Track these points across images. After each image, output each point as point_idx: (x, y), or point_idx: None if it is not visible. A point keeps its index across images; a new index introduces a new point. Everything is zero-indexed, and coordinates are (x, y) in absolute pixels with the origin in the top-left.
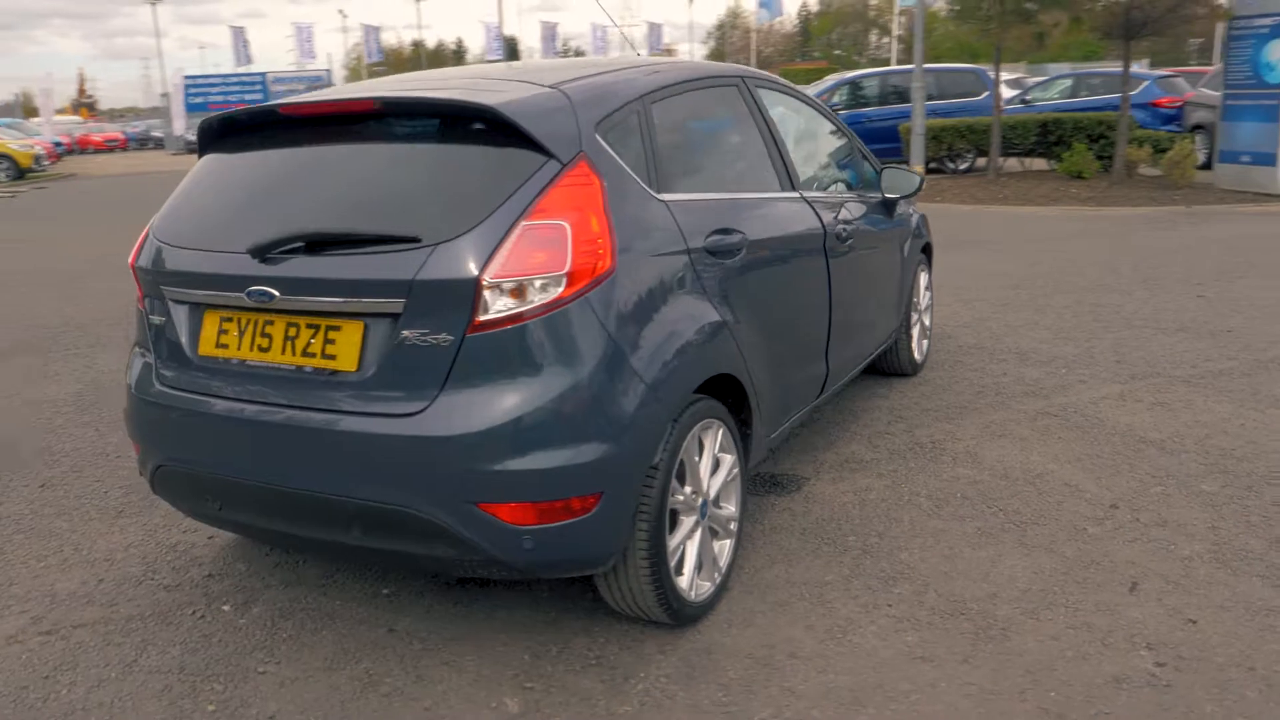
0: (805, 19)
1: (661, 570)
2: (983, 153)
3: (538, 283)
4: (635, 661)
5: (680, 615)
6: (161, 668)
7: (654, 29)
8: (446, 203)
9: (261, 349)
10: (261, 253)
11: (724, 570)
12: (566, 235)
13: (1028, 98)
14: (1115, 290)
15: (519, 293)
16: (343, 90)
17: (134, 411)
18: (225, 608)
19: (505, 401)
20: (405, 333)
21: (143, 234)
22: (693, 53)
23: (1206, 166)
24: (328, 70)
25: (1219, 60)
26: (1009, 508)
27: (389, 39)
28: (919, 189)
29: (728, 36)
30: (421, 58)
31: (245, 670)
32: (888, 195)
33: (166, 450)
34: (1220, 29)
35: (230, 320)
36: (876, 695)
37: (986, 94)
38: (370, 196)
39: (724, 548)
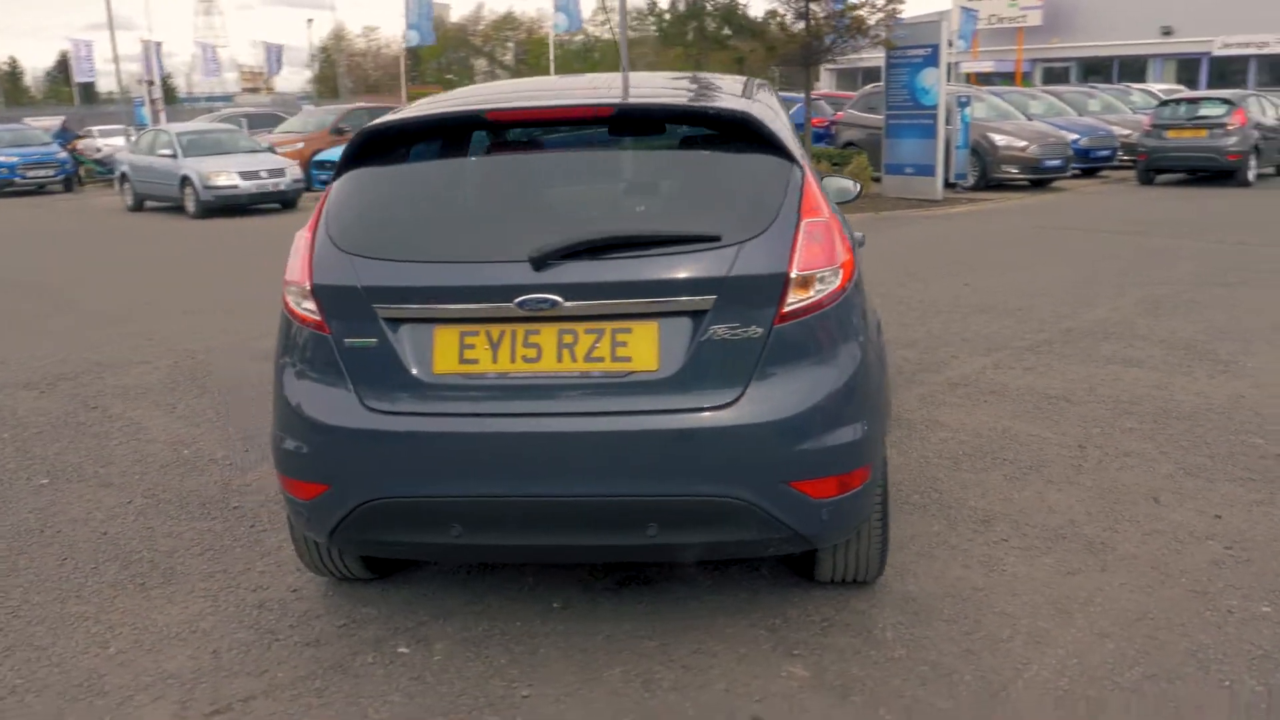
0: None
1: (887, 531)
2: None
3: (823, 275)
4: (862, 618)
5: (883, 571)
6: (407, 717)
7: (272, 50)
8: (727, 203)
9: (528, 359)
10: (544, 260)
11: None
12: (833, 232)
13: None
14: (894, 284)
15: (810, 284)
16: (562, 96)
17: (325, 447)
18: (402, 649)
19: (809, 385)
20: (714, 328)
21: (305, 252)
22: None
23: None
24: None
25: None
26: (1012, 456)
27: None
28: None
29: (334, 59)
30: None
31: (504, 697)
32: None
33: (383, 483)
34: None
35: (476, 335)
36: (1072, 604)
37: None
38: (635, 199)
39: None
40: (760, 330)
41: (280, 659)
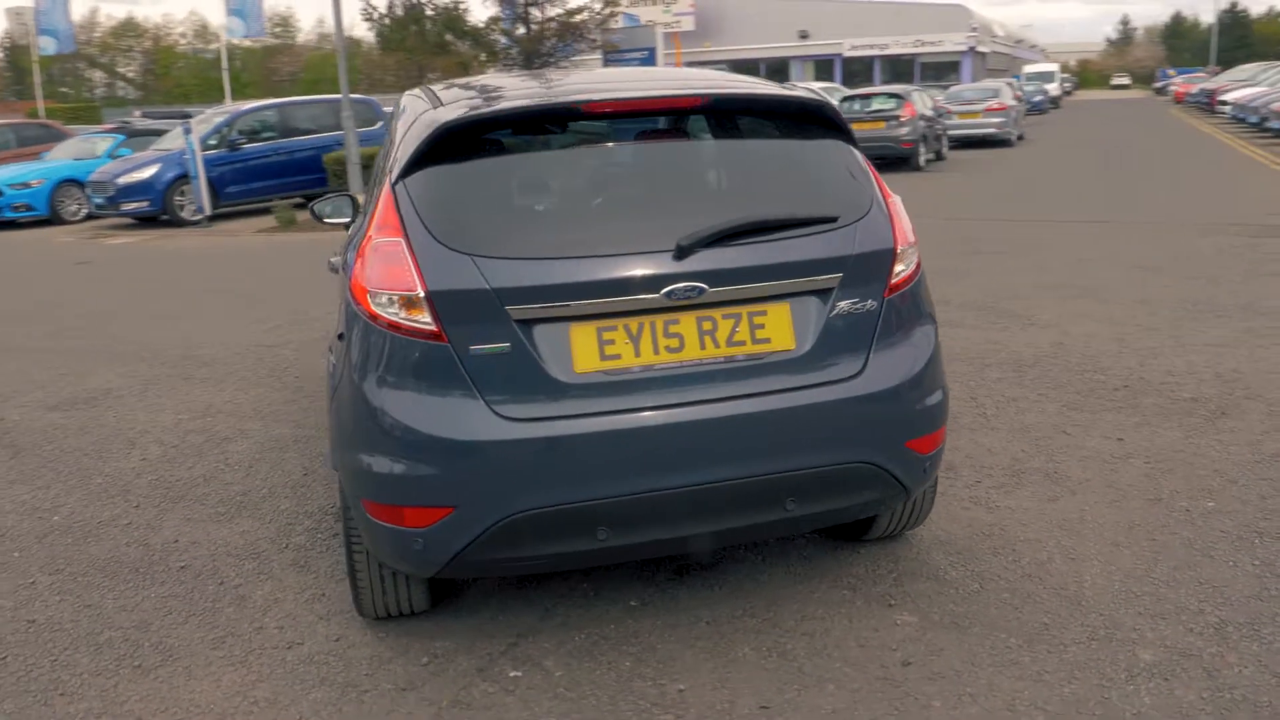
0: (11, 49)
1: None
2: None
3: (911, 249)
4: (922, 566)
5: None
6: None
7: None
8: (827, 185)
9: (671, 350)
10: (689, 249)
11: None
12: (902, 210)
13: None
14: None
15: (905, 258)
16: (647, 87)
17: (453, 465)
18: (513, 673)
19: (913, 351)
20: (840, 304)
21: (405, 257)
22: None
23: None
24: None
25: None
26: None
27: None
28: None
29: None
30: None
31: (660, 695)
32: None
33: (524, 495)
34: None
35: (614, 329)
36: (1073, 524)
37: (380, 123)
38: (745, 185)
39: None
40: (875, 303)
41: (389, 708)
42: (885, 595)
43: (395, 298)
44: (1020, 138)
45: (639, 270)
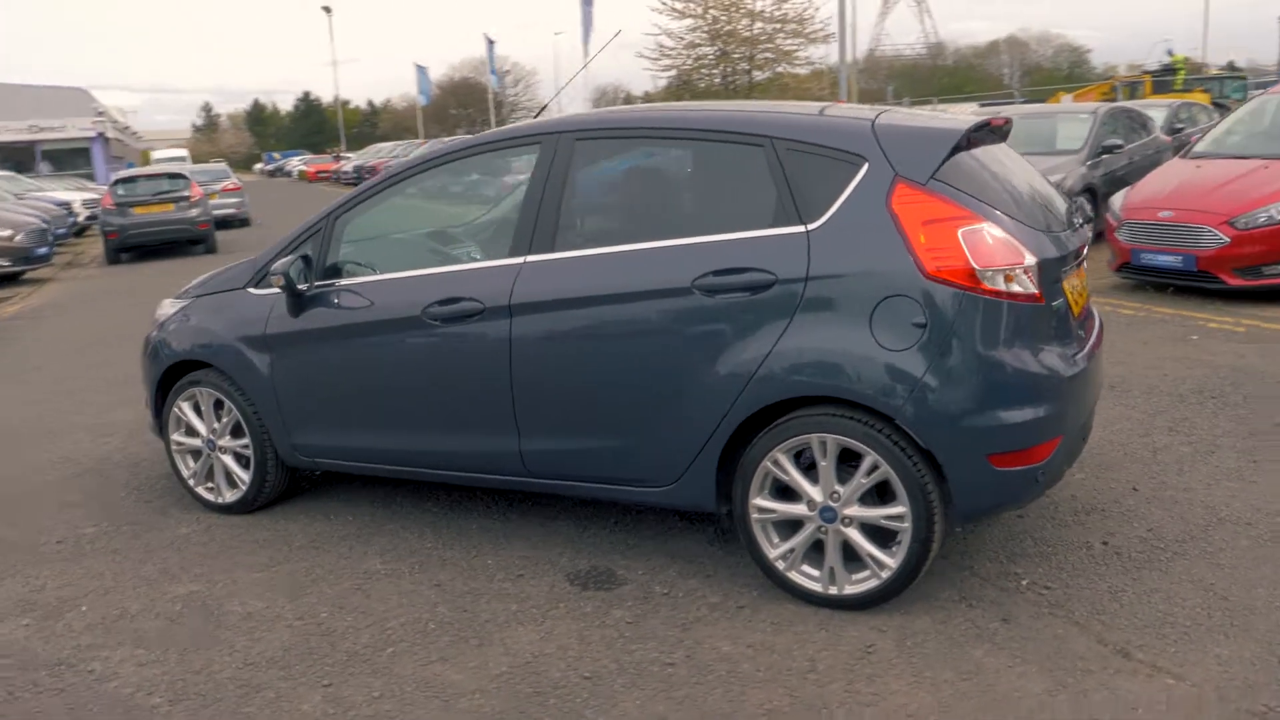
0: None
1: None
2: None
3: None
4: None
5: None
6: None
7: None
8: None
9: (1075, 292)
10: (1069, 231)
11: None
12: None
13: None
14: None
15: None
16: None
17: (1061, 402)
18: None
19: None
20: None
21: (1011, 233)
22: None
23: None
24: None
25: None
26: None
27: None
28: None
29: None
30: None
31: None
32: None
33: (1069, 422)
34: None
35: (1058, 281)
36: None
37: None
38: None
39: None
40: None
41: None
42: (1048, 578)
43: (1001, 271)
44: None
45: (1064, 245)
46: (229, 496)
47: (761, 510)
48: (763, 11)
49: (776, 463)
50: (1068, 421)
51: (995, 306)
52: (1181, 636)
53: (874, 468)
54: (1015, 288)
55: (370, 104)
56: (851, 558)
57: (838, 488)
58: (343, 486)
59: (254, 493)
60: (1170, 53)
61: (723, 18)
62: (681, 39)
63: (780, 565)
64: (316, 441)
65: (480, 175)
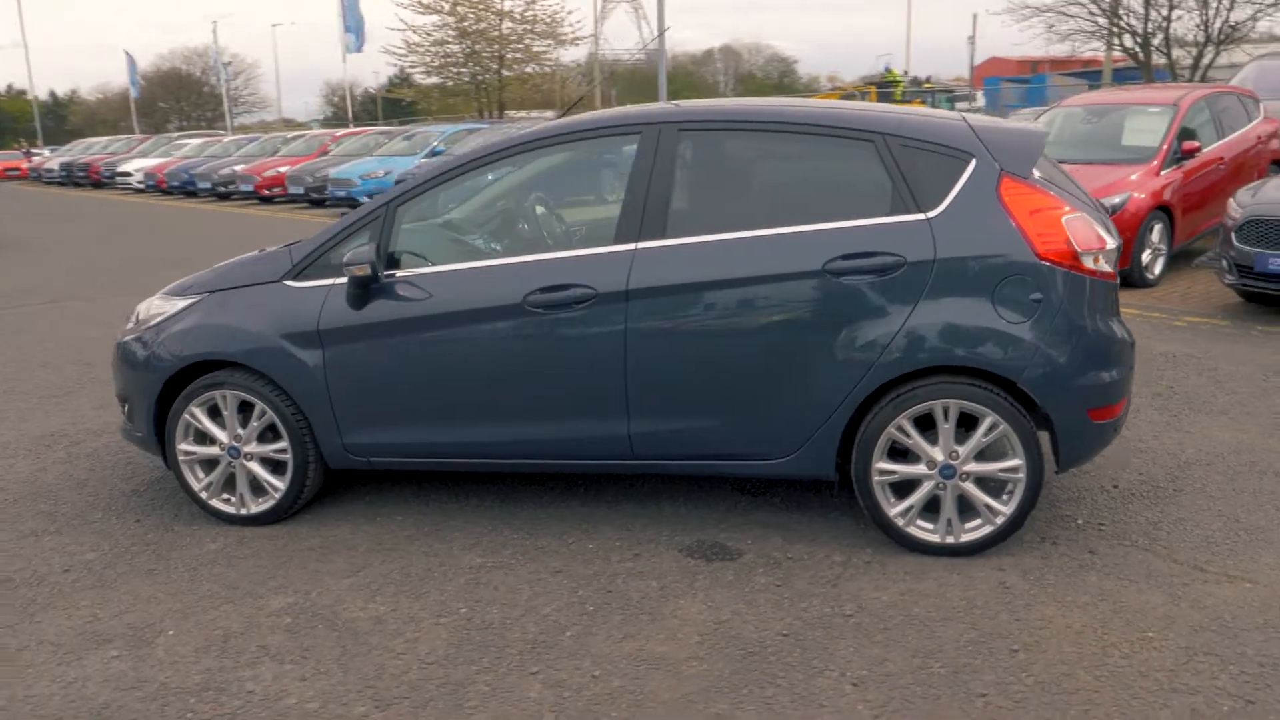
0: None
1: None
2: None
3: None
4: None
5: None
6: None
7: None
8: None
9: None
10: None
11: None
12: None
13: None
14: None
15: None
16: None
17: (1132, 362)
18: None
19: None
20: None
21: (1092, 222)
22: None
23: None
24: None
25: None
26: None
27: None
28: None
29: None
30: None
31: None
32: None
33: (1132, 382)
34: None
35: None
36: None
37: None
38: None
39: None
40: None
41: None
42: (1134, 546)
43: (1093, 254)
44: None
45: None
46: (255, 507)
47: (883, 473)
48: (511, 12)
49: (900, 428)
50: (1131, 381)
51: (1090, 283)
52: (1229, 552)
53: (993, 427)
54: (1104, 266)
55: (53, 95)
56: (965, 509)
57: (956, 447)
58: (343, 486)
59: (290, 500)
60: (888, 68)
61: (471, 15)
62: (429, 35)
63: (900, 522)
64: (376, 439)
65: (563, 166)
